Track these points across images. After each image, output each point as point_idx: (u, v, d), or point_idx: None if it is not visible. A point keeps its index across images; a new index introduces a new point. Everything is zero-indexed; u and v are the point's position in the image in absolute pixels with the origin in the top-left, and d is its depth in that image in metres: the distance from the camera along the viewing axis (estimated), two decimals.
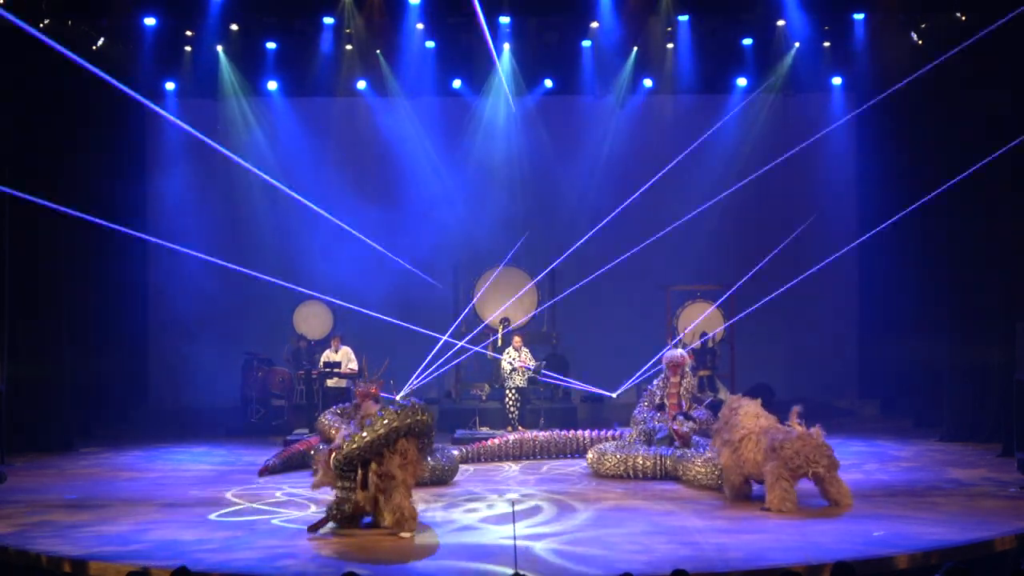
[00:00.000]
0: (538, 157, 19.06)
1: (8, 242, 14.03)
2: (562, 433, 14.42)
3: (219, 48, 17.14)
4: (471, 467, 13.44)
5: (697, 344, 16.70)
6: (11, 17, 8.72)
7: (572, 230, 19.13)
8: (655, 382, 13.37)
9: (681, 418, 12.29)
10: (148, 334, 19.31)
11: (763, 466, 10.38)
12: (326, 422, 13.04)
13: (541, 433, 14.41)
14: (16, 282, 14.35)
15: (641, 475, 12.31)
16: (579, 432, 14.41)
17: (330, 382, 16.40)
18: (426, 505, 10.62)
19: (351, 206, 18.98)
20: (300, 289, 16.18)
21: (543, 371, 15.75)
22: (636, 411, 13.51)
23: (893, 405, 18.10)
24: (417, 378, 14.60)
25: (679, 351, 13.08)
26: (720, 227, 19.16)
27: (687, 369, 13.14)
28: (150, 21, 16.15)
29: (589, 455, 12.90)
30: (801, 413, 10.65)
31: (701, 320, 16.99)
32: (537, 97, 18.65)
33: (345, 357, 16.58)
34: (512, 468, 13.37)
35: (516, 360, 15.72)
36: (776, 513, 10.07)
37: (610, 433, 14.15)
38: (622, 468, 12.40)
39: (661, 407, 13.07)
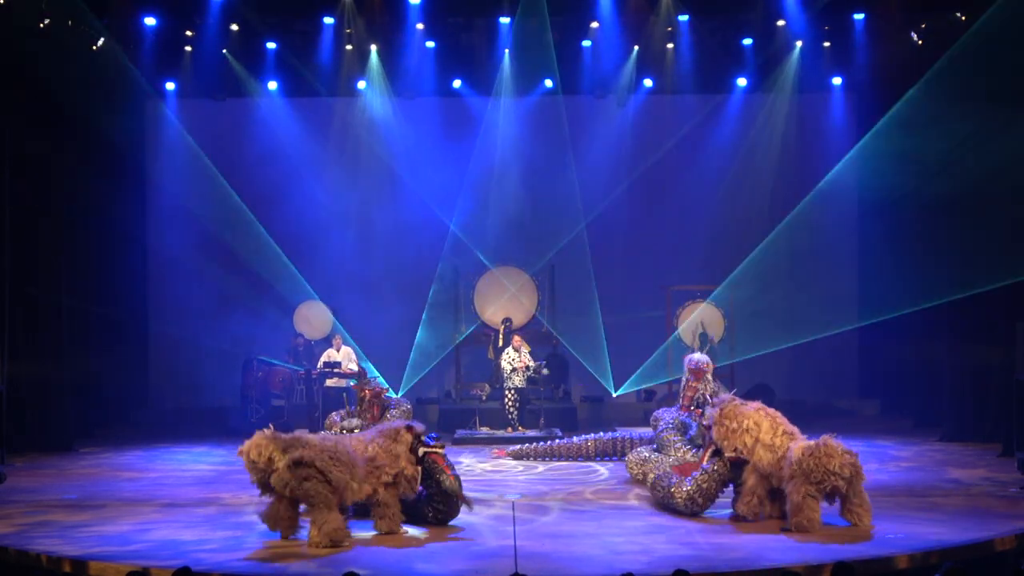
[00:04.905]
0: (538, 157, 19.06)
1: (8, 242, 14.02)
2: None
3: (224, 51, 17.14)
4: (473, 467, 13.41)
5: (697, 343, 16.69)
6: None
7: (572, 230, 19.20)
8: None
9: (709, 411, 11.95)
10: (148, 334, 19.32)
11: (785, 483, 9.51)
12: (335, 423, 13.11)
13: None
14: (16, 282, 14.34)
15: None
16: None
17: (330, 382, 16.41)
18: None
19: (351, 206, 19.03)
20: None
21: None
22: (658, 411, 13.15)
23: (893, 405, 18.10)
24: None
25: (704, 357, 12.86)
26: (720, 227, 19.18)
27: (709, 376, 12.86)
28: (150, 21, 16.18)
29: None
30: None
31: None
32: (537, 97, 18.66)
33: (346, 357, 16.58)
34: (514, 468, 13.35)
35: (516, 360, 15.72)
36: (798, 533, 9.29)
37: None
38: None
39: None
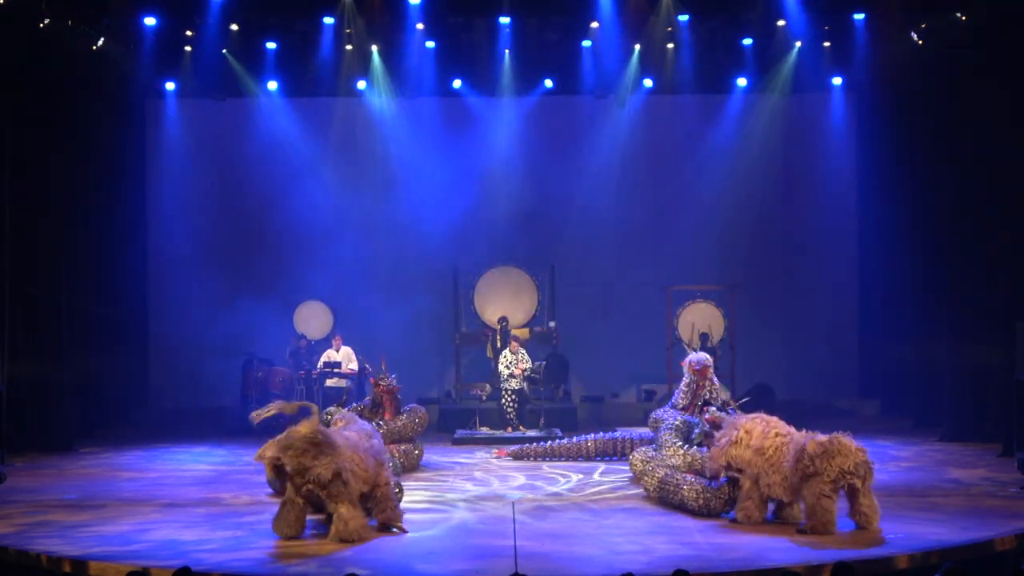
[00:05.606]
0: (538, 157, 19.07)
1: (8, 242, 14.02)
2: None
3: (224, 51, 17.15)
4: (471, 467, 13.41)
5: (697, 344, 16.69)
6: None
7: (572, 230, 19.23)
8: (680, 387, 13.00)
9: (714, 408, 11.88)
10: (148, 334, 19.32)
11: (797, 486, 9.32)
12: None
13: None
14: (16, 282, 14.34)
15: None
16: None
17: (330, 382, 16.42)
18: (428, 505, 10.62)
19: (351, 206, 19.04)
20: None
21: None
22: (658, 411, 13.10)
23: (893, 405, 18.09)
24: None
25: (704, 354, 12.81)
26: (721, 227, 19.18)
27: (711, 374, 12.78)
28: (150, 21, 16.18)
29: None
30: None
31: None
32: (537, 97, 18.67)
33: (346, 357, 16.58)
34: (511, 467, 13.34)
35: (513, 364, 15.70)
36: (815, 535, 9.16)
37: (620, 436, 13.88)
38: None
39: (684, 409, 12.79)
